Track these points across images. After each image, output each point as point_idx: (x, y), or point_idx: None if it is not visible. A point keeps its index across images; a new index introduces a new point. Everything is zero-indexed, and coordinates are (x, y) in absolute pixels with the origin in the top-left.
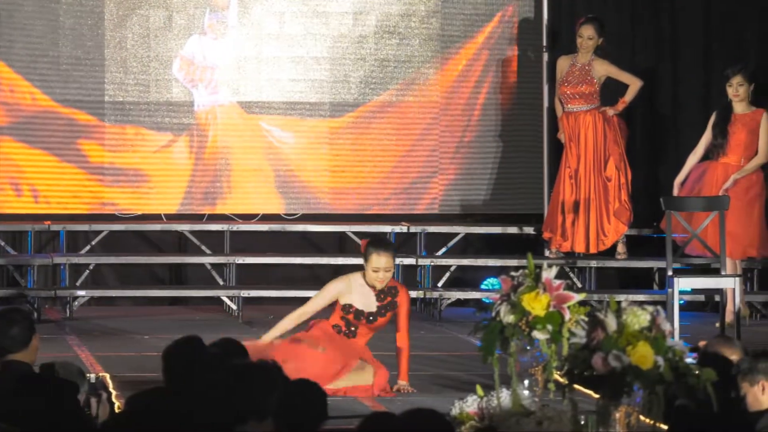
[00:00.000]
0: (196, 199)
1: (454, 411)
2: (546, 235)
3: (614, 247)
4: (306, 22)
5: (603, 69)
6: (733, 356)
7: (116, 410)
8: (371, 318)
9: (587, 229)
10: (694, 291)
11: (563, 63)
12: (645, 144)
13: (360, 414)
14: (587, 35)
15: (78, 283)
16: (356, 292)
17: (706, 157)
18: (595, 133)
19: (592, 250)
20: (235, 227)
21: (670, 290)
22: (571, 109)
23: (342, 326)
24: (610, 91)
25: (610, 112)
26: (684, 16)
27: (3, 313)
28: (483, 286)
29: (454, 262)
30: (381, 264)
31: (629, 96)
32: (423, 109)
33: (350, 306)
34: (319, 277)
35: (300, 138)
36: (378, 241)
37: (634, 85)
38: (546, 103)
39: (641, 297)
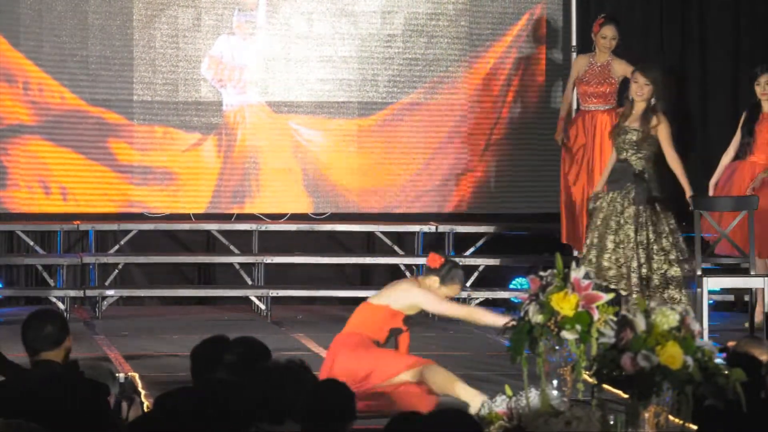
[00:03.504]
0: (225, 199)
1: (483, 411)
2: (568, 242)
3: None
4: (334, 22)
5: (621, 69)
6: (763, 356)
7: (144, 410)
8: (408, 328)
9: None
10: (723, 291)
11: (581, 62)
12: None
13: (387, 414)
14: (611, 35)
15: (107, 283)
16: (413, 313)
17: (737, 156)
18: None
19: None
20: (263, 227)
21: (699, 290)
22: (588, 108)
23: (378, 341)
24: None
25: None
26: (712, 13)
27: (37, 313)
28: (511, 286)
29: (482, 261)
30: (455, 294)
31: None
32: (451, 108)
33: (409, 319)
34: (347, 277)
35: (328, 138)
36: (460, 275)
37: None
38: (575, 104)
39: None
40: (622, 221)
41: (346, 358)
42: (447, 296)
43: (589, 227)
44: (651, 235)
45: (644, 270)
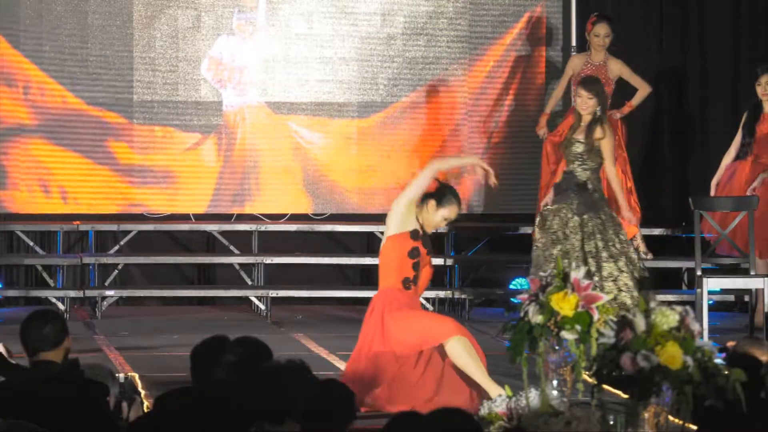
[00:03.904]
0: (225, 199)
1: (483, 411)
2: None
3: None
4: (334, 23)
5: (617, 69)
6: (763, 357)
7: (144, 410)
8: (429, 250)
9: None
10: (723, 291)
11: (576, 61)
12: (673, 143)
13: (387, 413)
14: (604, 33)
15: (107, 283)
16: (414, 224)
17: (738, 156)
18: None
19: None
20: (263, 227)
21: (698, 290)
22: None
23: (407, 277)
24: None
25: (617, 115)
26: (712, 13)
27: (36, 313)
28: (511, 286)
29: (482, 261)
30: (454, 215)
31: (636, 101)
32: (451, 109)
33: (417, 232)
34: (347, 277)
35: (328, 138)
36: (454, 194)
37: (644, 90)
38: (573, 104)
39: (670, 297)
40: (567, 231)
41: (394, 329)
42: (446, 218)
43: (537, 239)
44: (599, 243)
45: (596, 278)
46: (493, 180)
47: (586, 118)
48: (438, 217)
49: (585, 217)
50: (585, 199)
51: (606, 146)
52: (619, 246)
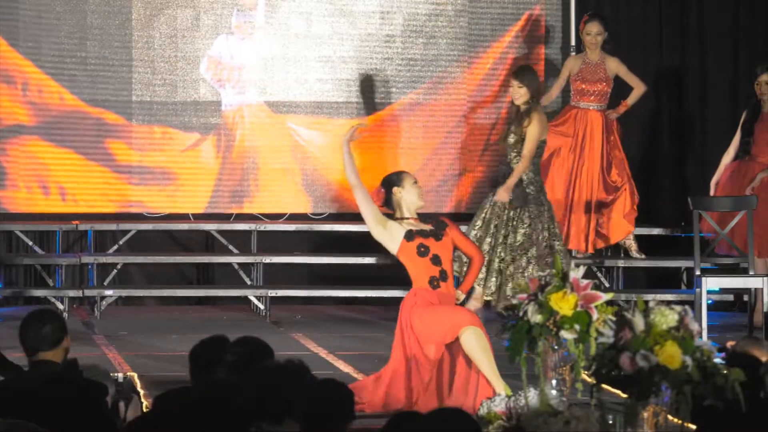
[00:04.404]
0: (224, 199)
1: (482, 410)
2: None
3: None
4: (333, 22)
5: (615, 67)
6: (762, 356)
7: (143, 410)
8: (436, 234)
9: (587, 228)
10: (723, 290)
11: (574, 62)
12: (672, 143)
13: (386, 413)
14: (596, 32)
15: (105, 283)
16: (401, 228)
17: (737, 156)
18: (601, 133)
19: (590, 249)
20: (262, 227)
21: (698, 290)
22: (579, 105)
23: (433, 276)
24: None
25: (613, 115)
26: (712, 13)
27: (35, 313)
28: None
29: None
30: (413, 177)
31: (632, 100)
32: (450, 108)
33: (410, 231)
34: (346, 277)
35: (327, 137)
36: (396, 172)
37: (639, 89)
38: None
39: (669, 297)
40: (500, 224)
41: (419, 325)
42: (414, 184)
43: (470, 228)
44: (519, 237)
45: (510, 269)
46: (359, 129)
47: (522, 109)
48: (410, 192)
49: (516, 210)
50: (517, 194)
51: (530, 132)
52: (546, 236)
